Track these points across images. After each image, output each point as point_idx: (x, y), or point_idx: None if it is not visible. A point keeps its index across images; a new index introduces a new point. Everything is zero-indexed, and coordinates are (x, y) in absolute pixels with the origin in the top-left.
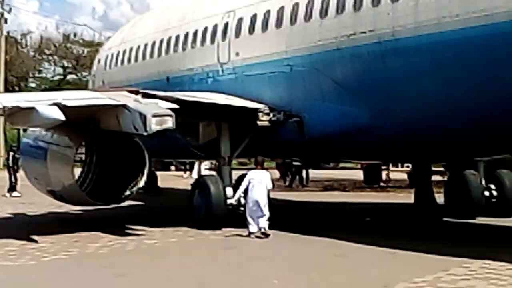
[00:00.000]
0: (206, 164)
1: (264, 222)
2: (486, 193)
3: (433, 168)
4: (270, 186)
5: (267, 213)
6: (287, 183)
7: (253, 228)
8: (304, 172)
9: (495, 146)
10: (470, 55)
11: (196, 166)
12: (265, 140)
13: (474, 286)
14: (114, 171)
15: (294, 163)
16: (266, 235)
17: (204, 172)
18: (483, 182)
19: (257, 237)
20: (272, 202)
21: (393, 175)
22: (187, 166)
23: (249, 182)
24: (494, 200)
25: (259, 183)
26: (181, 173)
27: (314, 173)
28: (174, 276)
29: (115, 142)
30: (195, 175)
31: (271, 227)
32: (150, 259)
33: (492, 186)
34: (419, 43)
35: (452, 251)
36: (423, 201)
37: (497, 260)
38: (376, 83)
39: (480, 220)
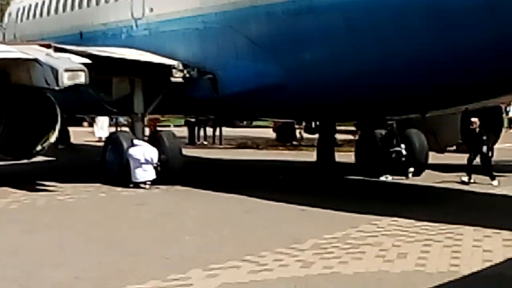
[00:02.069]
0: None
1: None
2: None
3: (345, 128)
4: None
5: (152, 168)
6: (200, 141)
7: (135, 178)
8: (202, 130)
9: (404, 107)
10: (381, 16)
11: (101, 122)
12: (178, 97)
13: (382, 243)
14: (25, 126)
15: (189, 120)
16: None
17: (105, 129)
18: (393, 141)
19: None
20: (184, 159)
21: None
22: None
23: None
24: (403, 159)
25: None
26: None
27: (227, 131)
28: (85, 231)
29: (26, 97)
30: (100, 133)
31: (181, 183)
32: (61, 215)
33: (402, 146)
34: (332, 2)
35: (361, 208)
36: (324, 159)
37: (405, 217)
38: (289, 41)
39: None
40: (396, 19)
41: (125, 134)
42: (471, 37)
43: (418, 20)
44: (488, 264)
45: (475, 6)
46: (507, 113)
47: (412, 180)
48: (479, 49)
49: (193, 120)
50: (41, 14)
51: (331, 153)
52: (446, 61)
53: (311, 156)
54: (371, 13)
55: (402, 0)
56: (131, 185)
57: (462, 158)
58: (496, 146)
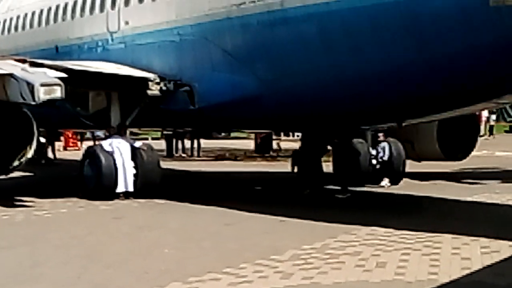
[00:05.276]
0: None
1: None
2: (374, 161)
3: None
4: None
5: (131, 176)
6: (178, 154)
7: (120, 188)
8: (180, 142)
9: (381, 116)
10: (356, 26)
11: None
12: (155, 109)
13: (361, 252)
14: (2, 141)
15: (166, 133)
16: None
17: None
18: (371, 150)
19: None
20: (163, 172)
21: (284, 145)
22: (79, 137)
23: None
24: (377, 167)
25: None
26: None
27: (205, 143)
28: (63, 246)
29: (2, 112)
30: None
31: (160, 196)
32: (40, 230)
33: (379, 154)
34: (306, 13)
35: (340, 218)
36: (307, 170)
37: (383, 226)
38: (265, 53)
39: (368, 187)
40: (371, 30)
41: (102, 148)
42: (445, 47)
43: (393, 30)
44: (466, 272)
45: (449, 17)
46: (488, 120)
47: (390, 189)
48: (454, 59)
49: (170, 132)
50: (16, 29)
51: (316, 164)
52: (421, 71)
53: (288, 167)
54: (346, 24)
55: (377, 11)
56: (121, 195)
57: (439, 166)
58: (473, 154)
